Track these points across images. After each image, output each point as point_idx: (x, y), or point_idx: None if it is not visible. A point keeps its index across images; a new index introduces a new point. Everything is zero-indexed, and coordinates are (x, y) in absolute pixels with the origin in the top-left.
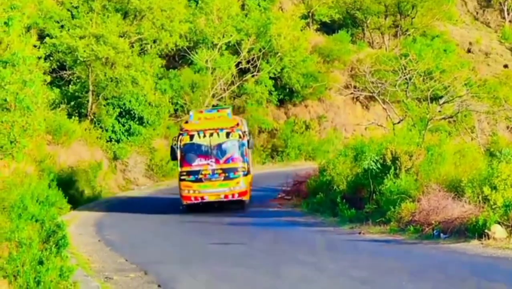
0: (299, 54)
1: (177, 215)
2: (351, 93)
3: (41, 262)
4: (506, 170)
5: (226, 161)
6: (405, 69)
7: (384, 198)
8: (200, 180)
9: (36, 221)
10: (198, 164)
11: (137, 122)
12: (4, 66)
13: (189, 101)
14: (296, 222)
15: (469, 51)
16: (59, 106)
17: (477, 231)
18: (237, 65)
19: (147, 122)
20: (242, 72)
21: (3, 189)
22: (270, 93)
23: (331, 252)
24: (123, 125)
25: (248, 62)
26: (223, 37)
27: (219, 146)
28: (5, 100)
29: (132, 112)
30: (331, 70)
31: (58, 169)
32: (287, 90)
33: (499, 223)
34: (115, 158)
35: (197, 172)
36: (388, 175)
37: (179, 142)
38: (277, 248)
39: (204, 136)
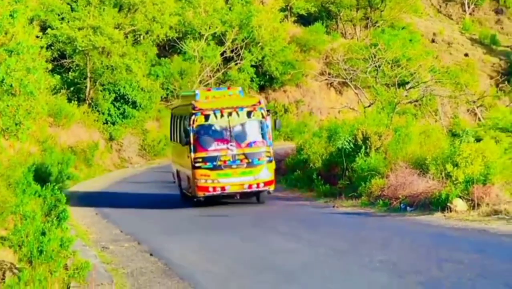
0: (278, 44)
1: (166, 189)
2: (326, 79)
3: (43, 233)
4: (467, 149)
5: (248, 145)
6: (374, 57)
7: (355, 175)
8: (219, 168)
9: (39, 196)
10: (215, 148)
11: (131, 106)
12: (10, 55)
13: (178, 87)
14: (276, 196)
15: (433, 41)
16: (60, 92)
17: (440, 204)
18: (222, 54)
19: (140, 106)
20: (227, 60)
21: (8, 167)
22: (251, 80)
23: (307, 223)
24: (118, 109)
25: (232, 51)
26: (209, 28)
27: (239, 127)
28: (11, 86)
29: (126, 97)
30: (308, 59)
31: (59, 148)
32: (267, 77)
33: (460, 197)
34: (111, 138)
35: (214, 158)
36: (359, 153)
37: (191, 124)
38: (259, 220)
39: (222, 116)
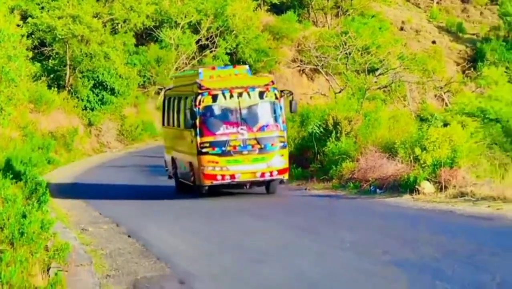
0: (251, 32)
1: (143, 173)
2: (298, 66)
3: (24, 216)
4: (434, 133)
5: (261, 129)
6: (345, 45)
7: (327, 158)
8: (228, 153)
9: (20, 180)
10: (224, 132)
11: (109, 92)
12: None
13: (155, 74)
14: None
15: (401, 29)
16: (40, 79)
17: (409, 186)
18: (197, 42)
19: (118, 92)
20: (202, 48)
21: None
22: (226, 66)
23: (281, 205)
24: (97, 95)
25: (207, 39)
26: (185, 17)
27: (250, 108)
28: None
29: (104, 84)
30: (280, 46)
31: (40, 134)
32: (242, 64)
33: (427, 179)
34: (90, 124)
35: (223, 143)
36: (330, 138)
37: (197, 105)
38: (235, 203)
39: (231, 96)
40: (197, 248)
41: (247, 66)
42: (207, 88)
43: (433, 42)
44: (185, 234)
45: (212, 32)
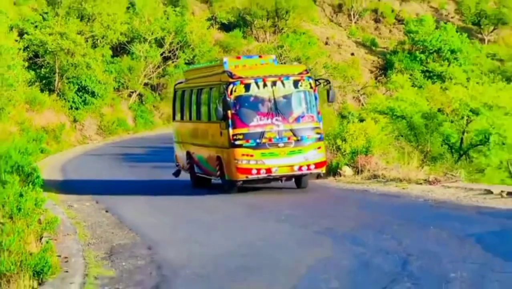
0: (205, 46)
1: (118, 159)
2: None
3: (21, 195)
4: (352, 127)
5: (296, 120)
6: (281, 56)
7: None
8: (263, 146)
9: (18, 166)
10: (257, 123)
11: (90, 95)
12: None
13: (127, 80)
14: None
15: (326, 43)
16: (34, 84)
17: (332, 170)
18: (161, 54)
19: (98, 95)
20: (165, 59)
21: None
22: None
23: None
24: (80, 98)
25: (169, 52)
26: (152, 34)
27: (285, 98)
28: None
29: (86, 88)
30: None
31: (34, 129)
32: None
33: (347, 165)
34: (75, 120)
35: (258, 135)
36: None
37: (229, 94)
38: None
39: (265, 85)
40: (162, 222)
41: (273, 56)
42: (239, 77)
43: (352, 54)
44: (153, 211)
45: (173, 46)
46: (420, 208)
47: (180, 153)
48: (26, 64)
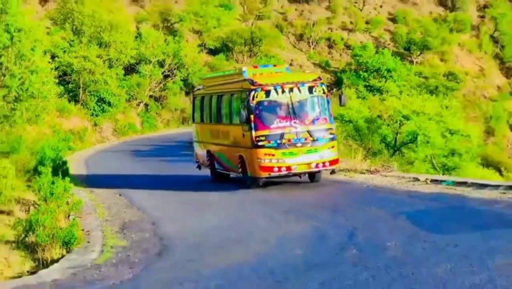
0: (197, 66)
1: (130, 155)
2: None
3: (53, 183)
4: None
5: (312, 122)
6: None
7: None
8: (283, 146)
9: (51, 160)
10: (277, 126)
11: (107, 105)
12: (32, 73)
13: (136, 93)
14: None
15: (291, 64)
16: (63, 96)
17: None
18: (162, 73)
19: (113, 104)
20: (165, 77)
21: (32, 142)
22: (181, 88)
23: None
24: (99, 107)
25: (168, 71)
26: (155, 57)
27: (301, 103)
28: (32, 92)
29: (104, 99)
30: None
31: (63, 131)
32: (191, 86)
33: None
34: (95, 124)
35: (278, 136)
36: None
37: (251, 100)
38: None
39: (283, 92)
40: (163, 203)
41: (286, 65)
42: (260, 84)
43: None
44: (157, 195)
45: (171, 66)
46: (363, 192)
47: (200, 151)
48: (57, 80)
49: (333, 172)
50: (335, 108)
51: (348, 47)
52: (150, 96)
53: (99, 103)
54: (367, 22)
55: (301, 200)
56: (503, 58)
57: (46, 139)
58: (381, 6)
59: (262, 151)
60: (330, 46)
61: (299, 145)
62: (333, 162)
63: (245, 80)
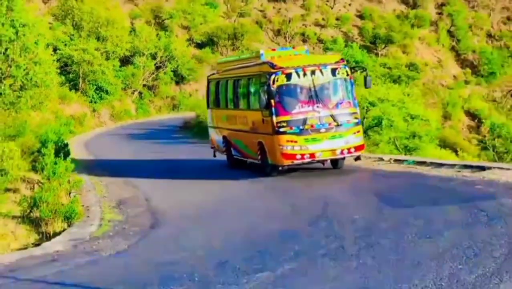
0: (185, 58)
1: (125, 137)
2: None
3: (55, 163)
4: None
5: (336, 106)
6: None
7: None
8: (306, 132)
9: (53, 142)
10: (299, 111)
11: (105, 93)
12: (35, 65)
13: (130, 82)
14: (186, 141)
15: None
16: (65, 85)
17: None
18: (155, 64)
19: (110, 92)
20: (157, 68)
21: (36, 127)
22: (171, 78)
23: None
24: (98, 94)
25: (160, 63)
26: (148, 50)
27: (324, 86)
28: (36, 81)
29: (102, 87)
30: (203, 67)
31: (65, 116)
32: (180, 76)
33: None
34: (94, 110)
35: (301, 122)
36: None
37: (271, 84)
38: (179, 154)
39: (305, 75)
40: (154, 182)
41: (305, 47)
42: (281, 67)
43: None
44: (151, 174)
45: (163, 59)
46: (334, 172)
47: (216, 137)
48: (59, 71)
49: (358, 158)
50: None
51: (320, 41)
52: (144, 85)
53: (97, 92)
54: (337, 19)
55: (276, 178)
56: (459, 50)
57: (49, 124)
58: (350, 4)
59: (284, 138)
60: (304, 41)
61: (322, 130)
62: (359, 148)
63: (264, 63)
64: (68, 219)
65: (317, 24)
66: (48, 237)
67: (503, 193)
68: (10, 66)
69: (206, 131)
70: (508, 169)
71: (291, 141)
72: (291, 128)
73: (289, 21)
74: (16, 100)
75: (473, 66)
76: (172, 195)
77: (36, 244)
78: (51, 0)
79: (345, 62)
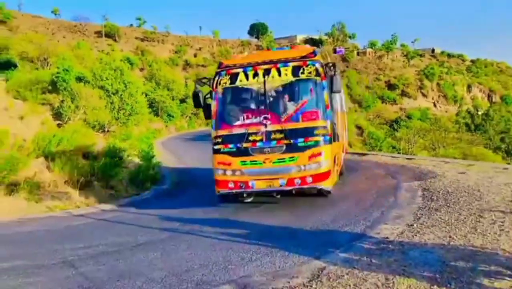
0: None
1: (186, 141)
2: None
3: (147, 152)
4: None
5: (291, 118)
6: None
7: None
8: (245, 152)
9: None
10: (242, 123)
11: (172, 117)
12: (136, 102)
13: (185, 111)
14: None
15: None
16: (151, 113)
17: None
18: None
19: (174, 117)
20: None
21: (137, 134)
22: None
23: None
24: (168, 118)
25: None
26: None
27: (280, 90)
28: (136, 112)
29: (170, 114)
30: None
31: (151, 129)
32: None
33: None
34: (166, 126)
35: (240, 138)
36: None
37: (214, 88)
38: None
39: (256, 75)
40: (182, 154)
41: (312, 47)
42: (226, 66)
43: None
44: (180, 149)
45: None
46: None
47: None
48: (148, 106)
49: (320, 192)
50: None
51: None
52: (192, 113)
53: (168, 117)
54: None
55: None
56: (352, 95)
57: (143, 133)
58: None
59: (217, 158)
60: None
61: (267, 150)
62: (319, 177)
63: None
64: (153, 181)
65: None
66: (144, 190)
67: (374, 166)
68: (123, 104)
69: None
70: (376, 155)
71: (224, 163)
72: (226, 146)
73: None
74: (126, 121)
75: (359, 103)
76: (192, 158)
77: (136, 194)
78: (144, 70)
79: (316, 58)
